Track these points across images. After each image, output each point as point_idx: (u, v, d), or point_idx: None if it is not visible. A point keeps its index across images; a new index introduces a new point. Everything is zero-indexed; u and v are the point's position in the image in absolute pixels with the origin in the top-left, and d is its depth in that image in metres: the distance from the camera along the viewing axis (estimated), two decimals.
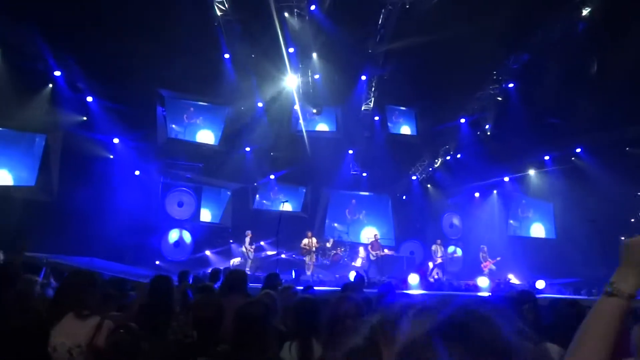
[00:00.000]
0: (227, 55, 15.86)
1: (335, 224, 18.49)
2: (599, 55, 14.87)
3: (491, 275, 14.75)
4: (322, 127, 18.56)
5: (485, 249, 15.65)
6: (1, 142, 14.07)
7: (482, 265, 15.26)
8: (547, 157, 18.35)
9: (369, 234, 17.55)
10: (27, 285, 4.05)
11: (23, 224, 12.20)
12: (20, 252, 8.90)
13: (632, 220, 18.55)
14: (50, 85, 13.99)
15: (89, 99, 14.66)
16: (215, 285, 6.23)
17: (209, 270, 11.04)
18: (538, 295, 4.64)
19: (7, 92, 12.69)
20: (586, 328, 1.13)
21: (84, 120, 14.67)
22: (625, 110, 15.24)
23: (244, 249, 14.72)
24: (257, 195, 18.03)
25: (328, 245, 15.92)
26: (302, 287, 6.60)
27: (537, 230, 20.03)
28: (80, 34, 12.88)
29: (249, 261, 14.55)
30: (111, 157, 15.15)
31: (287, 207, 15.88)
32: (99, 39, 12.94)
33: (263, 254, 15.60)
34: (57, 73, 13.74)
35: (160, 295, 3.78)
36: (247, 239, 14.75)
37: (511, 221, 19.67)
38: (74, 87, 14.25)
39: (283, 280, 6.79)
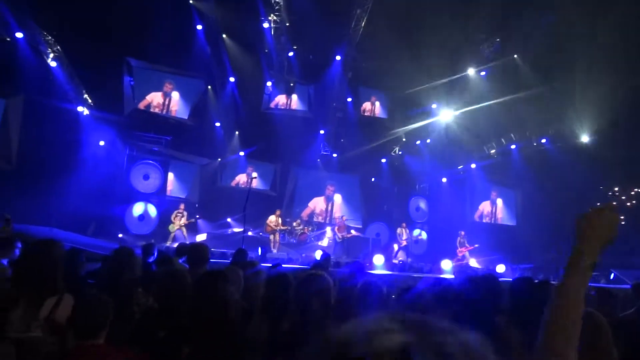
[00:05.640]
0: (199, 27, 15.47)
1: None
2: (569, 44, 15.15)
3: (460, 260, 15.08)
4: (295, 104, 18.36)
5: (463, 234, 15.93)
6: None
7: (457, 251, 15.55)
8: (513, 146, 18.76)
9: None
10: None
11: None
12: None
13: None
14: (10, 47, 13.30)
15: (53, 64, 14.06)
16: (180, 261, 6.16)
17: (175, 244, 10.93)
18: (500, 279, 4.76)
19: None
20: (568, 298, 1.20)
21: (47, 85, 14.07)
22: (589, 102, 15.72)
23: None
24: (234, 172, 17.89)
25: (295, 224, 15.93)
26: (269, 265, 6.58)
27: (500, 217, 20.56)
28: None
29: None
30: (75, 125, 14.65)
31: (256, 182, 15.83)
32: (64, 1, 12.38)
33: (229, 231, 15.52)
34: (19, 35, 13.08)
35: (121, 267, 3.68)
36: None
37: (480, 207, 20.16)
38: (36, 50, 13.62)
39: (250, 257, 6.76)
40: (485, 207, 20.34)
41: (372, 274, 8.49)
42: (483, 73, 16.72)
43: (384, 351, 0.54)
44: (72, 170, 13.44)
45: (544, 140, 18.19)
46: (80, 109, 14.80)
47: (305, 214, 17.97)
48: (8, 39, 12.99)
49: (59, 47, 14.10)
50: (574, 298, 1.19)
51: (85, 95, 15.06)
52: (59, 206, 12.30)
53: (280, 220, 14.90)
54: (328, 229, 16.33)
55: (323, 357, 0.58)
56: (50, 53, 13.93)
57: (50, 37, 13.81)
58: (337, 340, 0.59)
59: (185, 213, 14.61)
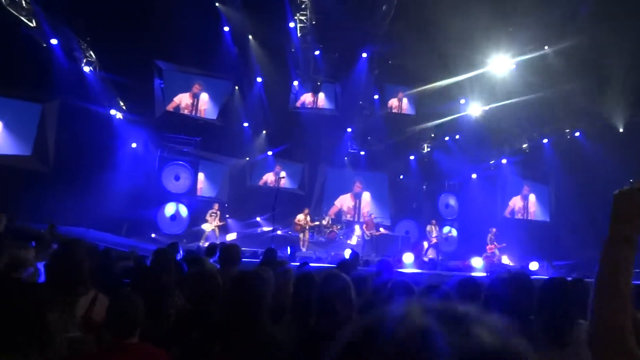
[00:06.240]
0: (226, 29, 15.65)
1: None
2: (598, 36, 14.67)
3: (489, 257, 14.85)
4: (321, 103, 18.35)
5: (495, 230, 15.69)
6: None
7: (487, 247, 15.35)
8: (545, 141, 18.35)
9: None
10: (16, 255, 3.97)
11: (18, 193, 12.16)
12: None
13: None
14: (46, 54, 13.74)
15: (86, 69, 14.47)
16: (211, 260, 6.27)
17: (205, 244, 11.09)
18: (532, 277, 4.66)
19: (1, 59, 12.48)
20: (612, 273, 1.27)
21: (81, 90, 14.48)
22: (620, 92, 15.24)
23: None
24: (262, 172, 18.08)
25: (324, 222, 15.96)
26: (297, 264, 6.63)
27: (532, 212, 20.12)
28: (76, 3, 12.65)
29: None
30: (109, 128, 15.02)
31: (284, 182, 15.96)
32: (96, 8, 12.71)
33: (259, 230, 15.66)
34: (54, 41, 13.49)
35: (161, 269, 3.76)
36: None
37: (511, 203, 19.78)
38: (71, 56, 14.03)
39: (279, 257, 6.81)
40: (516, 202, 19.95)
41: (400, 272, 8.44)
42: (513, 66, 16.37)
43: (408, 335, 0.54)
44: (106, 172, 13.81)
45: (577, 134, 17.73)
46: (113, 112, 15.17)
47: (332, 212, 17.98)
48: (44, 45, 13.44)
49: (91, 53, 14.50)
50: (611, 270, 1.27)
51: (118, 99, 15.43)
52: (94, 207, 12.65)
53: (308, 219, 14.95)
54: (357, 227, 16.30)
55: (350, 343, 0.59)
56: (83, 58, 14.34)
57: (83, 43, 14.21)
58: (362, 326, 0.60)
59: (218, 213, 14.83)
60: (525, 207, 20.05)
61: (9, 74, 12.86)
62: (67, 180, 12.91)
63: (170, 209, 15.74)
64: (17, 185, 12.76)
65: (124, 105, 15.57)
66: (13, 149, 13.99)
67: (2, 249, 3.75)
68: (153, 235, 14.65)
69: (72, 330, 2.82)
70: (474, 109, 17.58)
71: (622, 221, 1.30)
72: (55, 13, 12.98)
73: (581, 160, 17.17)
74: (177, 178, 16.06)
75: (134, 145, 15.52)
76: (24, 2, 12.81)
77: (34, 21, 13.10)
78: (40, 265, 4.05)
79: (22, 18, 12.89)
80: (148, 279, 3.33)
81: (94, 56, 14.56)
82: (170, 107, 16.40)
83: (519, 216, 19.80)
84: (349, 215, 18.45)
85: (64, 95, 14.03)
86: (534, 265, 13.02)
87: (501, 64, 16.13)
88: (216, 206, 15.03)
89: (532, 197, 20.06)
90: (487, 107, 17.69)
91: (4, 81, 13.12)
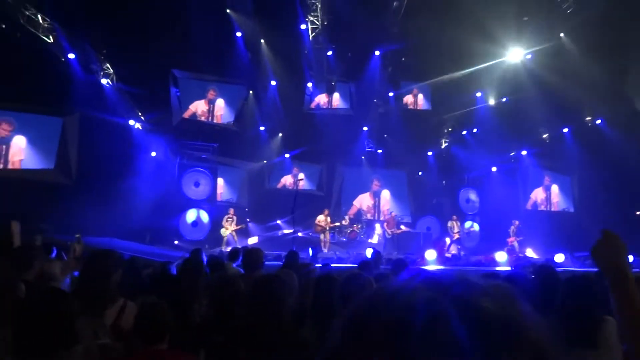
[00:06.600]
0: (239, 34, 15.76)
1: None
2: (616, 19, 14.33)
3: (509, 250, 14.66)
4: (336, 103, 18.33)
5: (517, 223, 15.49)
6: (20, 126, 14.24)
7: (508, 239, 15.18)
8: (565, 130, 18.04)
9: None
10: (47, 267, 4.06)
11: (43, 206, 12.40)
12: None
13: None
14: (65, 68, 14.02)
15: (104, 81, 14.73)
16: (235, 265, 6.32)
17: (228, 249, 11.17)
18: (558, 269, 4.59)
19: (22, 75, 12.79)
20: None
21: (99, 102, 14.74)
22: None
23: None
24: (280, 174, 18.12)
25: (344, 222, 15.94)
26: (320, 265, 6.65)
27: (555, 203, 19.80)
28: (92, 17, 12.89)
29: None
30: (129, 139, 15.26)
31: (303, 183, 15.98)
32: (111, 21, 12.95)
33: (280, 233, 15.72)
34: (71, 56, 13.76)
35: (186, 275, 3.81)
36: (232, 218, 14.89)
37: (532, 195, 19.48)
38: (88, 69, 14.30)
39: (301, 259, 6.83)
40: (538, 194, 19.66)
41: (418, 268, 8.39)
42: (529, 56, 16.12)
43: (410, 307, 0.54)
44: (127, 182, 14.00)
45: (598, 121, 17.39)
46: (131, 122, 15.41)
47: (352, 212, 17.95)
48: (63, 60, 13.72)
49: (108, 65, 14.77)
50: (622, 308, 1.41)
51: (136, 109, 15.67)
52: (117, 216, 12.83)
53: (329, 220, 14.97)
54: (377, 226, 16.24)
55: (352, 319, 0.59)
56: (100, 71, 14.61)
57: (100, 56, 14.48)
58: (366, 300, 0.60)
59: (234, 218, 14.92)
60: (548, 199, 19.74)
61: (30, 89, 13.18)
62: (90, 191, 13.13)
63: (191, 215, 15.90)
64: (42, 198, 13.02)
65: (142, 115, 15.81)
66: (37, 163, 14.32)
67: (31, 261, 3.84)
68: (176, 242, 14.83)
69: (102, 338, 2.88)
70: (491, 101, 17.37)
71: (612, 264, 1.45)
72: (71, 28, 13.27)
73: (603, 147, 16.81)
74: (197, 184, 16.22)
75: (153, 154, 15.73)
76: (40, 19, 13.11)
77: (51, 37, 13.39)
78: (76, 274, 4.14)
79: (40, 35, 13.20)
80: (175, 284, 3.38)
81: (110, 68, 14.83)
82: (186, 115, 16.59)
83: (542, 208, 19.50)
84: (368, 214, 18.40)
85: (84, 108, 14.29)
86: (559, 258, 12.80)
87: (517, 54, 15.90)
88: (231, 211, 15.11)
89: (554, 188, 19.74)
90: (504, 99, 17.47)
91: (26, 97, 13.47)
